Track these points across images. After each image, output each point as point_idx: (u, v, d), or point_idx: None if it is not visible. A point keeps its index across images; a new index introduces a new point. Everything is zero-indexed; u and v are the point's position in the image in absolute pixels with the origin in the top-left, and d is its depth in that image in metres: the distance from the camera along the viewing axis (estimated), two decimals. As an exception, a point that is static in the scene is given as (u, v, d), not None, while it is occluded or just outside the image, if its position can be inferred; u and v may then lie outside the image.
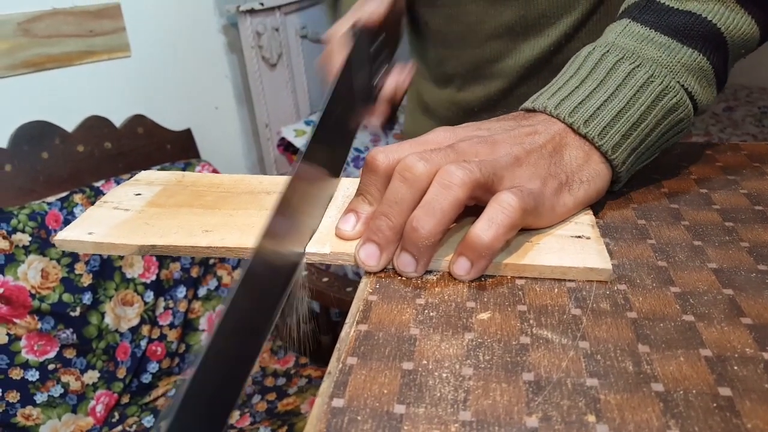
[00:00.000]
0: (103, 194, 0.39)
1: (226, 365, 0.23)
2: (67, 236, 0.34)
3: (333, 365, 0.25)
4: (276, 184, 0.40)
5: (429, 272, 0.31)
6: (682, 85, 0.35)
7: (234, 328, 0.23)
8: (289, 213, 0.31)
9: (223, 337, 0.22)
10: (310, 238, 0.33)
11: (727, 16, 0.36)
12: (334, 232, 0.33)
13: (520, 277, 0.31)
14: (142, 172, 0.42)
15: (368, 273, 0.31)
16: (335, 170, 0.39)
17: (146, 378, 1.19)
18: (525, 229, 0.32)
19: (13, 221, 1.04)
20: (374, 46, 0.45)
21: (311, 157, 0.33)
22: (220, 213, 0.36)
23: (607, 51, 0.36)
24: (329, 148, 0.38)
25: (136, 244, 0.33)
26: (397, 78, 0.49)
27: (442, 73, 0.65)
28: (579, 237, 0.32)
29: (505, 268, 0.31)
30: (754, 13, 0.36)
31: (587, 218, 0.34)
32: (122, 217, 0.36)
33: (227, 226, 0.35)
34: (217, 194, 0.39)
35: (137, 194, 0.39)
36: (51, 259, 1.07)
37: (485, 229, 0.29)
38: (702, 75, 0.36)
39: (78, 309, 1.09)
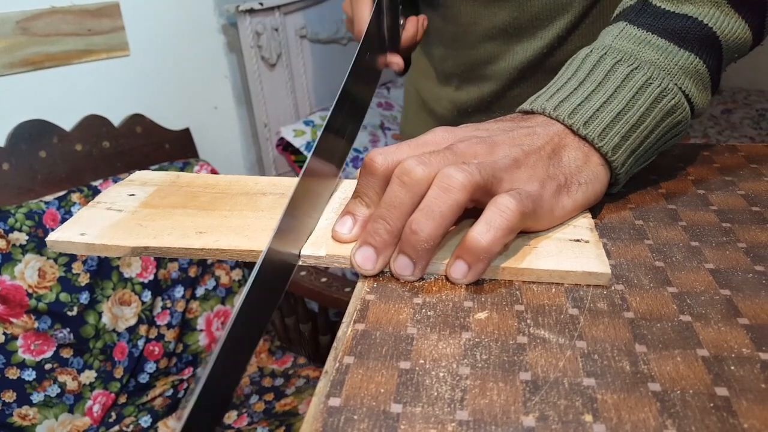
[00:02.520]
0: (100, 193, 0.39)
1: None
2: (59, 237, 0.34)
3: (330, 364, 0.25)
4: (272, 185, 0.40)
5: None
6: (680, 88, 0.35)
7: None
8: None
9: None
10: (306, 240, 0.33)
11: (722, 20, 0.36)
12: (330, 235, 0.33)
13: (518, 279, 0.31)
14: (137, 172, 0.42)
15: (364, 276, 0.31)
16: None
17: (143, 378, 1.18)
18: (523, 231, 0.32)
19: (11, 220, 1.04)
20: None
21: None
22: (215, 214, 0.36)
23: (605, 53, 0.36)
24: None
25: (129, 246, 0.33)
26: (415, 23, 0.52)
27: (441, 71, 0.65)
28: (578, 240, 0.32)
29: (503, 272, 0.30)
30: (747, 18, 0.36)
31: (586, 221, 0.34)
32: (115, 218, 0.36)
33: (222, 227, 0.34)
34: (212, 195, 0.38)
35: (131, 195, 0.38)
36: (48, 258, 1.07)
37: (483, 232, 0.29)
38: (698, 78, 0.36)
39: (75, 308, 1.09)
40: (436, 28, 0.62)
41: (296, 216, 0.31)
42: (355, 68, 0.38)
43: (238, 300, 0.24)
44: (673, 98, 0.35)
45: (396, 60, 0.50)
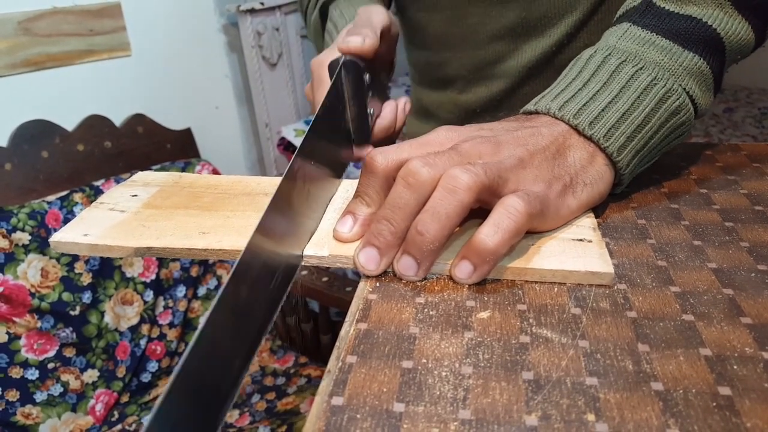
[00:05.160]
0: (103, 193, 0.39)
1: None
2: (63, 238, 0.34)
3: (332, 364, 0.25)
4: (274, 185, 0.40)
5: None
6: (684, 89, 0.35)
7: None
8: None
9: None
10: (309, 241, 0.33)
11: (726, 21, 0.36)
12: (332, 235, 0.33)
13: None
14: (139, 172, 0.42)
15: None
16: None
17: (146, 377, 1.18)
18: (528, 231, 0.32)
19: (13, 220, 1.04)
20: (366, 76, 0.41)
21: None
22: (217, 214, 0.36)
23: (609, 54, 0.36)
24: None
25: (132, 246, 0.33)
26: (394, 109, 0.46)
27: (442, 76, 0.65)
28: (581, 240, 0.32)
29: (506, 272, 0.30)
30: (750, 20, 0.36)
31: (589, 221, 0.34)
32: (118, 219, 0.36)
33: (224, 227, 0.34)
34: (215, 195, 0.38)
35: (134, 195, 0.39)
36: (51, 258, 1.07)
37: (491, 234, 0.28)
38: (702, 79, 0.36)
39: (78, 308, 1.09)
40: (437, 33, 0.62)
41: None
42: (301, 158, 0.32)
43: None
44: (678, 99, 0.35)
45: (365, 154, 0.43)
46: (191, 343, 0.21)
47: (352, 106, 0.41)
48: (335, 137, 0.40)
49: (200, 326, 0.22)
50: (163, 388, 1.16)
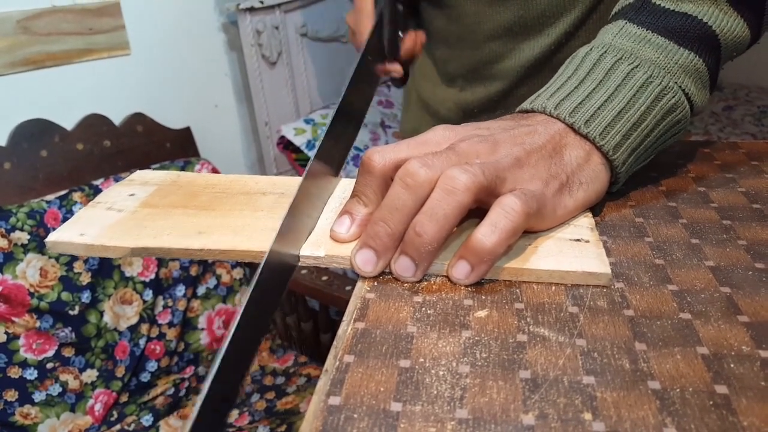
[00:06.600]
0: (101, 192, 0.39)
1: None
2: (59, 238, 0.34)
3: (330, 363, 0.25)
4: (272, 184, 0.40)
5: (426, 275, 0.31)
6: (680, 86, 0.35)
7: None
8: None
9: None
10: (306, 240, 0.33)
11: (721, 18, 0.36)
12: (329, 235, 0.33)
13: (518, 276, 0.31)
14: (137, 171, 0.42)
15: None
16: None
17: (145, 377, 1.18)
18: (524, 231, 0.32)
19: (12, 219, 1.04)
20: (400, 6, 0.53)
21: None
22: (215, 214, 0.36)
23: (605, 52, 0.36)
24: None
25: (129, 246, 0.33)
26: (414, 38, 0.56)
27: (444, 72, 0.65)
28: (578, 240, 0.32)
29: (503, 272, 0.30)
30: (745, 16, 0.36)
31: (586, 221, 0.34)
32: (115, 218, 0.35)
33: (221, 227, 0.34)
34: (212, 195, 0.38)
35: (131, 195, 0.38)
36: (50, 257, 1.07)
37: (488, 233, 0.28)
38: (698, 76, 0.36)
39: (77, 307, 1.09)
40: (439, 29, 0.62)
41: (296, 217, 0.31)
42: (356, 76, 0.41)
43: (242, 301, 0.24)
44: (674, 97, 0.35)
45: (395, 68, 0.55)
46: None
47: (389, 29, 0.52)
48: (377, 54, 0.50)
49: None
50: (162, 387, 1.17)
